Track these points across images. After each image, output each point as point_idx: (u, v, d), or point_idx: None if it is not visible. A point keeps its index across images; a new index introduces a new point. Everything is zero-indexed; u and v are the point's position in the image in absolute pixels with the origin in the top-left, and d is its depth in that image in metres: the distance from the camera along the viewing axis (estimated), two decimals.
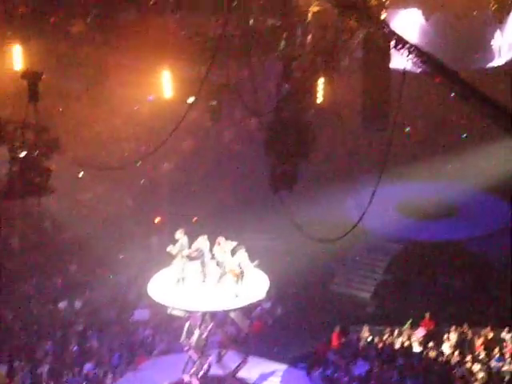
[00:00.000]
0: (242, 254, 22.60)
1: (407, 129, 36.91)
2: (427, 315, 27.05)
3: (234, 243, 22.92)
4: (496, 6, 25.12)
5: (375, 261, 32.84)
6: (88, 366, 25.39)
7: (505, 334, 25.86)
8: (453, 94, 17.79)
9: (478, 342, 25.62)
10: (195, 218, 32.96)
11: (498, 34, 35.48)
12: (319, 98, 20.32)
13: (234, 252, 22.88)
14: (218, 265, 23.06)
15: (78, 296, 29.46)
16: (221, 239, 22.95)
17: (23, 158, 17.27)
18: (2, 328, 27.13)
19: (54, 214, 32.99)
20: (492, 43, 35.94)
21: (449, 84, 17.54)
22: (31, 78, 17.21)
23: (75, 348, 26.32)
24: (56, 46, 25.73)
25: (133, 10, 21.38)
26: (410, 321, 27.08)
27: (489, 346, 25.31)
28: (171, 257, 22.92)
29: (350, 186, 31.98)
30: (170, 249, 22.77)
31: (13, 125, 17.48)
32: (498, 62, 36.23)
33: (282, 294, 29.37)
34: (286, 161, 18.66)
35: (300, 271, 30.43)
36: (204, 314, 23.21)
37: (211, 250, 23.06)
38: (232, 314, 23.97)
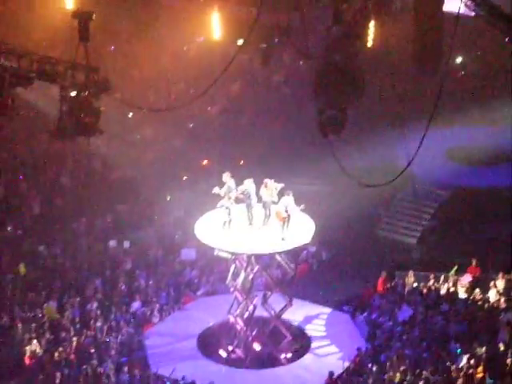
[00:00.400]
0: (289, 198, 22.65)
1: (462, 72, 36.13)
2: (474, 261, 26.90)
3: (281, 185, 22.97)
4: None
5: (422, 206, 32.64)
6: (135, 305, 25.87)
7: None
8: (507, 39, 17.40)
9: None
10: (242, 161, 33.01)
11: None
12: (370, 42, 20.04)
13: (280, 195, 22.95)
14: (263, 207, 23.16)
15: (127, 235, 29.86)
16: (267, 181, 23.02)
17: (73, 98, 17.36)
18: (54, 265, 27.66)
19: (103, 154, 33.33)
20: None
21: (503, 28, 17.15)
22: (82, 17, 17.18)
23: (123, 286, 26.77)
24: None
25: None
26: (456, 267, 26.98)
27: None
28: (218, 199, 23.07)
29: (399, 131, 31.69)
30: (217, 190, 22.92)
31: (63, 64, 17.53)
32: None
33: (328, 238, 29.41)
34: (336, 105, 18.48)
35: (346, 216, 30.41)
36: (250, 257, 23.43)
37: (257, 193, 23.15)
38: (278, 257, 24.16)
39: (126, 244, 29.38)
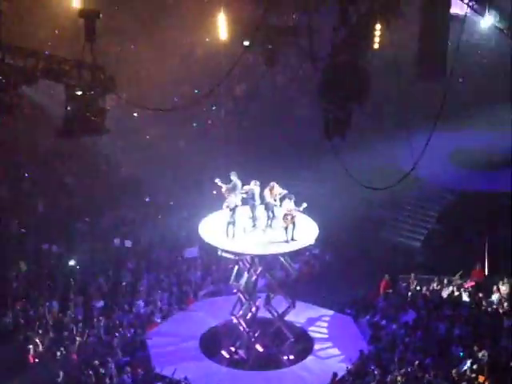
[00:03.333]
0: (290, 202, 22.68)
1: (460, 80, 35.90)
2: (478, 266, 26.89)
3: (285, 191, 23.01)
4: None
5: (427, 210, 32.61)
6: (138, 304, 25.86)
7: None
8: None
9: None
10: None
11: None
12: (376, 44, 20.03)
13: (282, 199, 22.98)
14: (266, 208, 23.19)
15: (130, 235, 29.86)
16: (274, 184, 23.07)
17: (79, 97, 17.39)
18: (57, 263, 27.67)
19: (108, 153, 33.32)
20: None
21: (510, 31, 17.17)
22: (89, 16, 17.22)
23: (126, 286, 26.78)
24: None
25: None
26: (460, 271, 26.94)
27: None
28: (223, 200, 23.08)
29: (403, 134, 31.57)
30: (220, 182, 23.01)
31: (69, 64, 17.56)
32: None
33: (331, 240, 29.39)
34: (340, 106, 18.47)
35: (350, 218, 30.38)
36: (253, 258, 23.42)
37: (261, 194, 23.17)
38: (281, 258, 24.15)
39: (128, 243, 29.39)
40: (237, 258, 23.44)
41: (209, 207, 24.95)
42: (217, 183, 23.17)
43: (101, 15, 17.28)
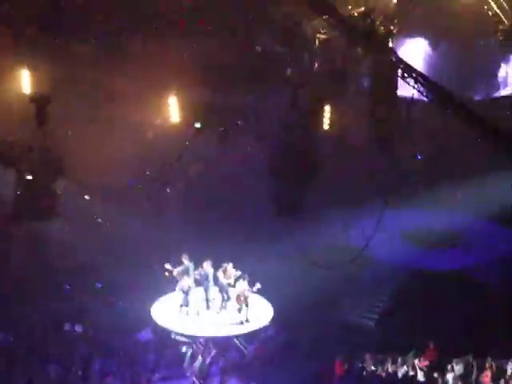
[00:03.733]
0: (244, 283, 22.64)
1: (418, 156, 36.53)
2: (431, 344, 26.88)
3: (239, 272, 22.98)
4: (502, 36, 25.27)
5: (380, 288, 32.67)
6: None
7: (511, 365, 25.60)
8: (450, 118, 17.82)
9: (483, 372, 25.39)
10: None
11: (503, 64, 35.27)
12: (325, 124, 20.36)
13: (236, 279, 22.93)
14: (220, 290, 23.10)
15: (81, 320, 29.36)
16: (227, 266, 23.03)
17: (29, 180, 17.32)
18: (5, 351, 27.05)
19: (59, 237, 32.93)
20: (498, 73, 35.75)
21: (455, 112, 17.60)
22: (39, 101, 17.30)
23: (78, 373, 26.22)
24: (65, 71, 26.00)
25: (140, 36, 21.52)
26: (414, 350, 26.90)
27: (494, 377, 25.09)
28: (175, 282, 22.93)
29: (355, 213, 31.88)
30: (169, 267, 22.89)
31: (20, 148, 17.54)
32: (503, 92, 35.99)
33: (286, 320, 29.20)
34: (292, 186, 18.64)
35: (304, 297, 30.26)
36: (207, 340, 23.16)
37: (215, 275, 23.09)
38: (235, 340, 23.92)
39: (79, 328, 28.89)
40: (190, 340, 23.17)
41: (162, 289, 24.72)
42: (167, 268, 23.04)
43: (51, 100, 17.36)
